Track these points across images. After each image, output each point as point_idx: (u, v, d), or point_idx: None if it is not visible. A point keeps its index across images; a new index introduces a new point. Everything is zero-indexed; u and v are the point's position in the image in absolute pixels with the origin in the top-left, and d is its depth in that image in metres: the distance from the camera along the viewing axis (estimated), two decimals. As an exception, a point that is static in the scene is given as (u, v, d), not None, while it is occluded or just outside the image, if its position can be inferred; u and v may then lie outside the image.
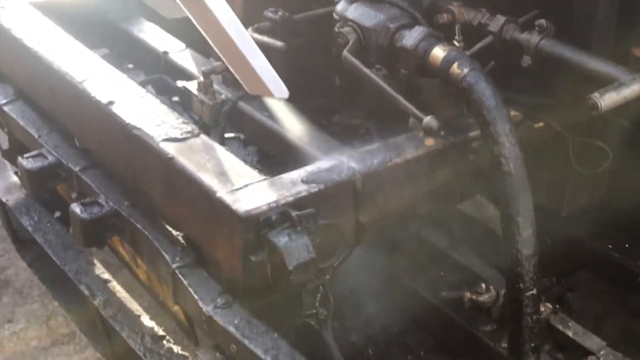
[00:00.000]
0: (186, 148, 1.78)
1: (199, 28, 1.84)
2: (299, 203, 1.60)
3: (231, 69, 1.93)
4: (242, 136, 2.32)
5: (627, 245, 2.31)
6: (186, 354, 1.95)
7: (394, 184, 1.78)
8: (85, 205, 1.96)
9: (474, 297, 2.04)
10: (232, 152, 1.83)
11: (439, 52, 1.82)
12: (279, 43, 2.17)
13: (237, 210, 1.56)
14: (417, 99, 1.90)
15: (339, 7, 2.06)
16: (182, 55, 2.52)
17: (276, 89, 1.87)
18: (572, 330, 1.99)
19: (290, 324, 1.68)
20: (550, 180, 2.04)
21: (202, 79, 2.19)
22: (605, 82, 1.72)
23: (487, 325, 2.05)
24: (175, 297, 1.80)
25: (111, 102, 1.96)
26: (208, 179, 1.66)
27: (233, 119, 2.19)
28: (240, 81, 1.94)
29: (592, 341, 1.98)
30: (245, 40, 1.81)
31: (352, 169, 1.70)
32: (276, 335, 1.59)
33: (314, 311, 1.66)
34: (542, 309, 1.89)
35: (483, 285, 2.04)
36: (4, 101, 2.50)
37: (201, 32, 1.85)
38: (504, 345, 1.97)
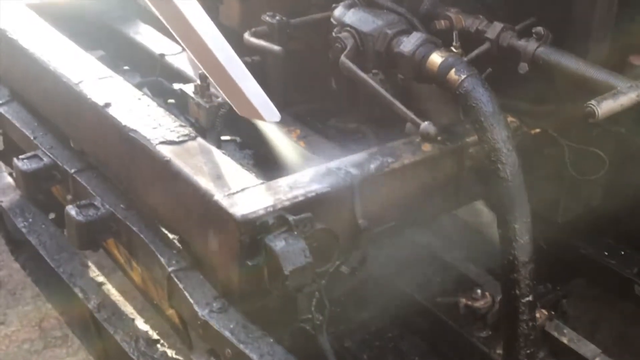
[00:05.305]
0: (183, 151, 1.78)
1: (187, 50, 1.83)
2: (295, 207, 1.59)
3: (221, 93, 1.91)
4: (238, 139, 2.32)
5: (622, 252, 2.31)
6: (180, 357, 1.93)
7: (390, 189, 1.77)
8: (81, 208, 1.95)
9: (470, 302, 2.03)
10: (228, 155, 1.83)
11: (436, 58, 1.82)
12: (276, 47, 2.16)
13: (234, 214, 1.55)
14: (414, 105, 1.90)
15: (337, 12, 2.06)
16: (178, 57, 2.51)
17: (267, 113, 1.84)
18: (567, 336, 1.99)
19: (285, 328, 1.67)
20: (546, 187, 2.04)
21: (198, 81, 2.19)
22: (602, 90, 1.72)
23: (483, 331, 2.04)
24: (170, 300, 1.80)
25: (107, 104, 1.95)
26: (205, 183, 1.66)
27: (229, 122, 2.18)
28: (231, 104, 1.92)
29: (587, 348, 1.98)
30: (234, 63, 1.78)
31: (349, 173, 1.70)
32: (272, 340, 1.58)
33: (310, 316, 1.65)
34: (537, 315, 1.88)
35: (479, 291, 2.04)
36: (-1, 102, 2.50)
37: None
38: (499, 351, 1.97)
